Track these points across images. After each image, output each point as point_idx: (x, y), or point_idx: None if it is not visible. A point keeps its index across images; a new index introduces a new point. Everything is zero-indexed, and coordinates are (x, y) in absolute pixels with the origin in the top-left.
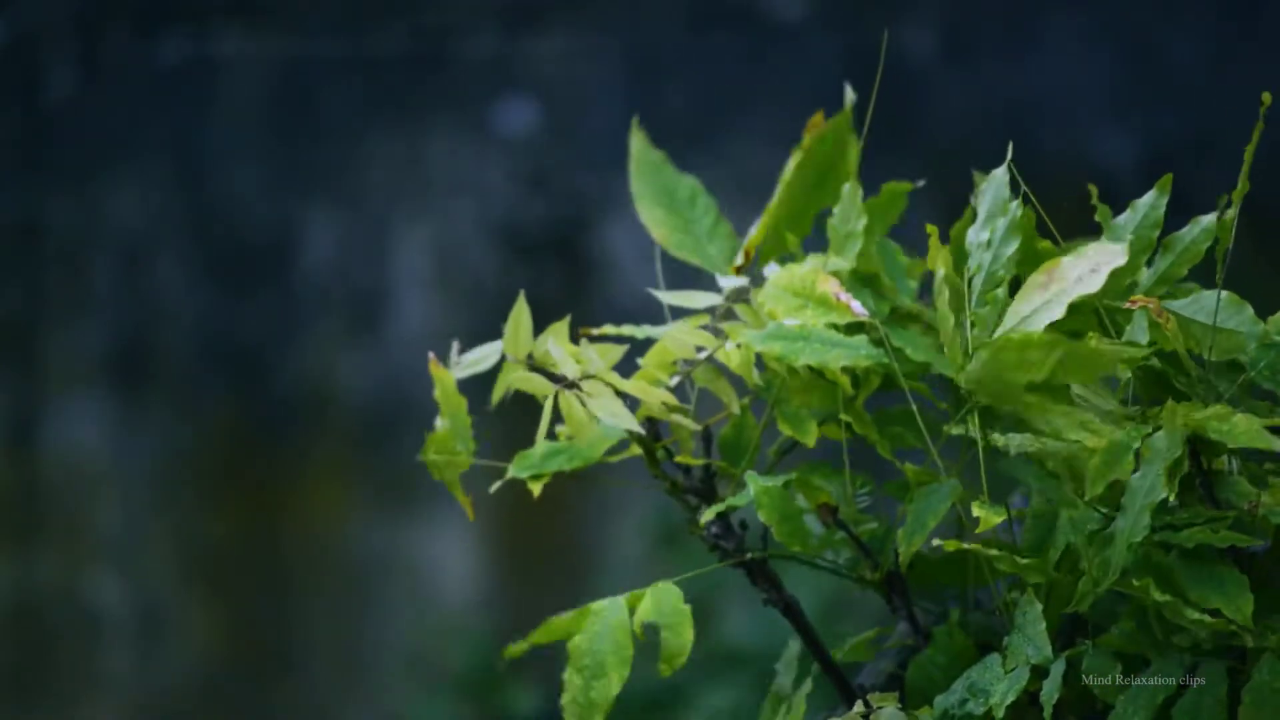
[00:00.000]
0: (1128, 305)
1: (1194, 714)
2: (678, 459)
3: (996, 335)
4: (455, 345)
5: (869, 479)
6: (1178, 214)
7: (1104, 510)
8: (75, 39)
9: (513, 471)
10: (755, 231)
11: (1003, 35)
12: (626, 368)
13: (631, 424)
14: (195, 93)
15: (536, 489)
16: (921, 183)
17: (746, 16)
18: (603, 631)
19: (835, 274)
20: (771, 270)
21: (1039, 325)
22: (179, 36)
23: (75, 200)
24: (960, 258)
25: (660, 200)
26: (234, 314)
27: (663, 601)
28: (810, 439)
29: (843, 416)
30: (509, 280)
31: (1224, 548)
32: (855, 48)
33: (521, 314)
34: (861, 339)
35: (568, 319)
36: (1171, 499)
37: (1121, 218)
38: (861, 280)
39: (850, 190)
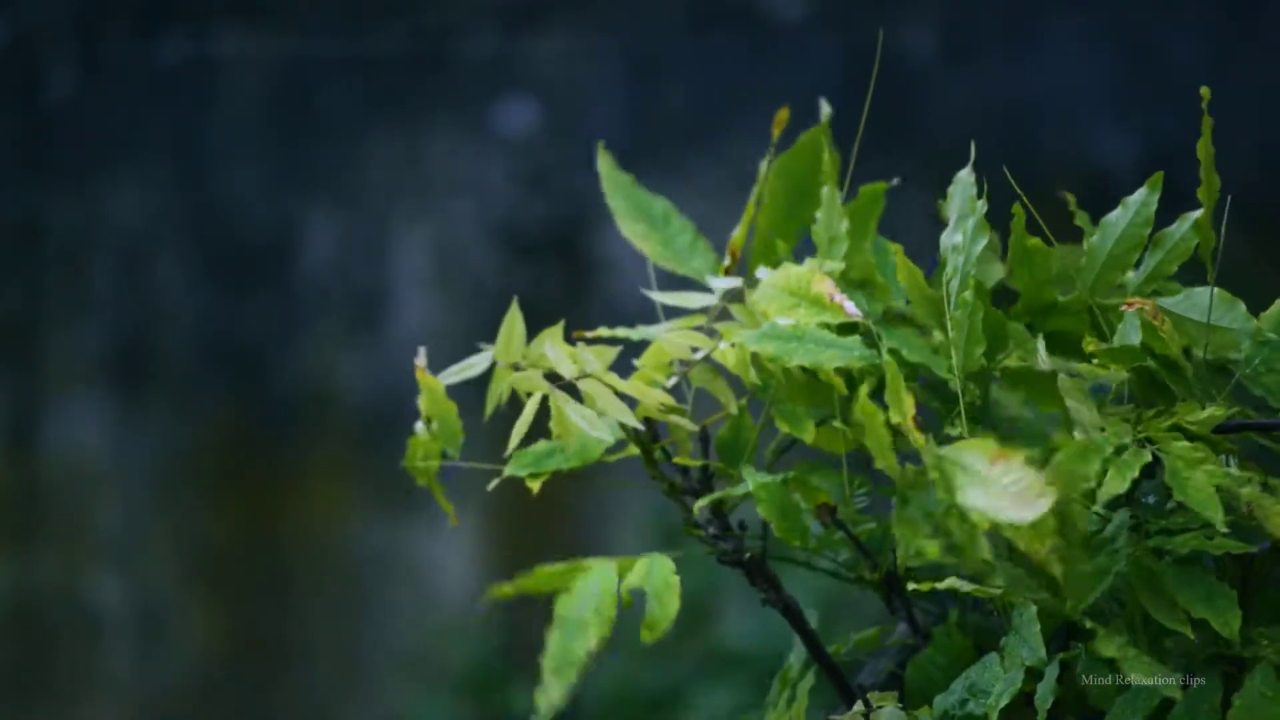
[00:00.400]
0: (1124, 307)
1: (1190, 719)
2: (675, 460)
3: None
4: (421, 351)
5: (867, 479)
6: (1178, 214)
7: (1101, 513)
8: (75, 39)
9: (510, 470)
10: (738, 231)
11: (1003, 35)
12: (623, 368)
13: (628, 417)
14: (195, 93)
15: (535, 486)
16: (897, 181)
17: (746, 16)
18: (588, 594)
19: (830, 274)
20: (763, 274)
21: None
22: (179, 36)
23: (75, 200)
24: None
25: (638, 215)
26: (234, 314)
27: (653, 570)
28: (809, 436)
29: (837, 424)
30: (509, 280)
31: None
32: (855, 48)
33: (514, 320)
34: (855, 340)
35: (562, 324)
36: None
37: (1113, 215)
38: (854, 282)
39: (829, 195)
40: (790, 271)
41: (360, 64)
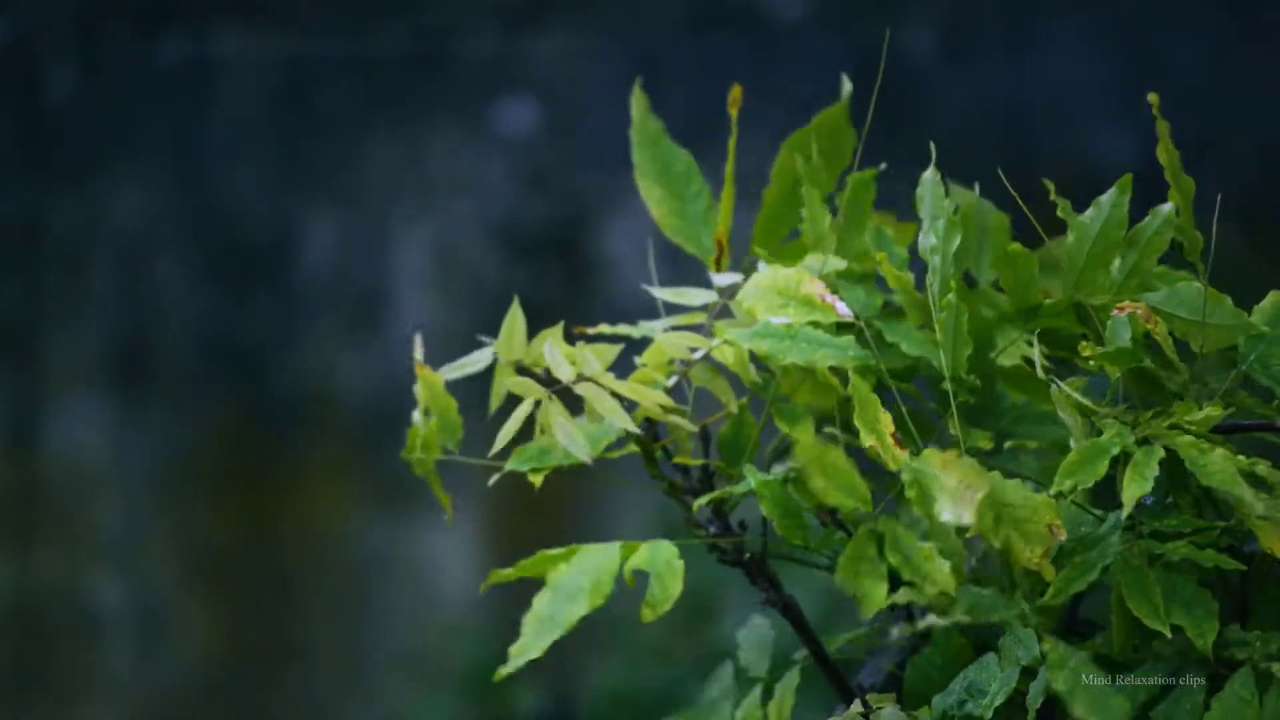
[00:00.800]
0: (1116, 311)
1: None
2: (675, 460)
3: None
4: (418, 340)
5: (866, 478)
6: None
7: (1097, 513)
8: (75, 39)
9: (511, 465)
10: (720, 222)
11: (1003, 35)
12: (623, 367)
13: (626, 422)
14: (195, 93)
15: (538, 481)
16: (884, 166)
17: (746, 16)
18: (586, 566)
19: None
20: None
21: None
22: (179, 36)
23: (75, 200)
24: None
25: (659, 177)
26: (234, 314)
27: (656, 553)
28: (807, 435)
29: (832, 430)
30: (509, 280)
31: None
32: (855, 48)
33: (516, 319)
34: (849, 339)
35: (561, 325)
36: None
37: (1086, 215)
38: (854, 276)
39: (810, 193)
40: (779, 272)
41: (360, 64)
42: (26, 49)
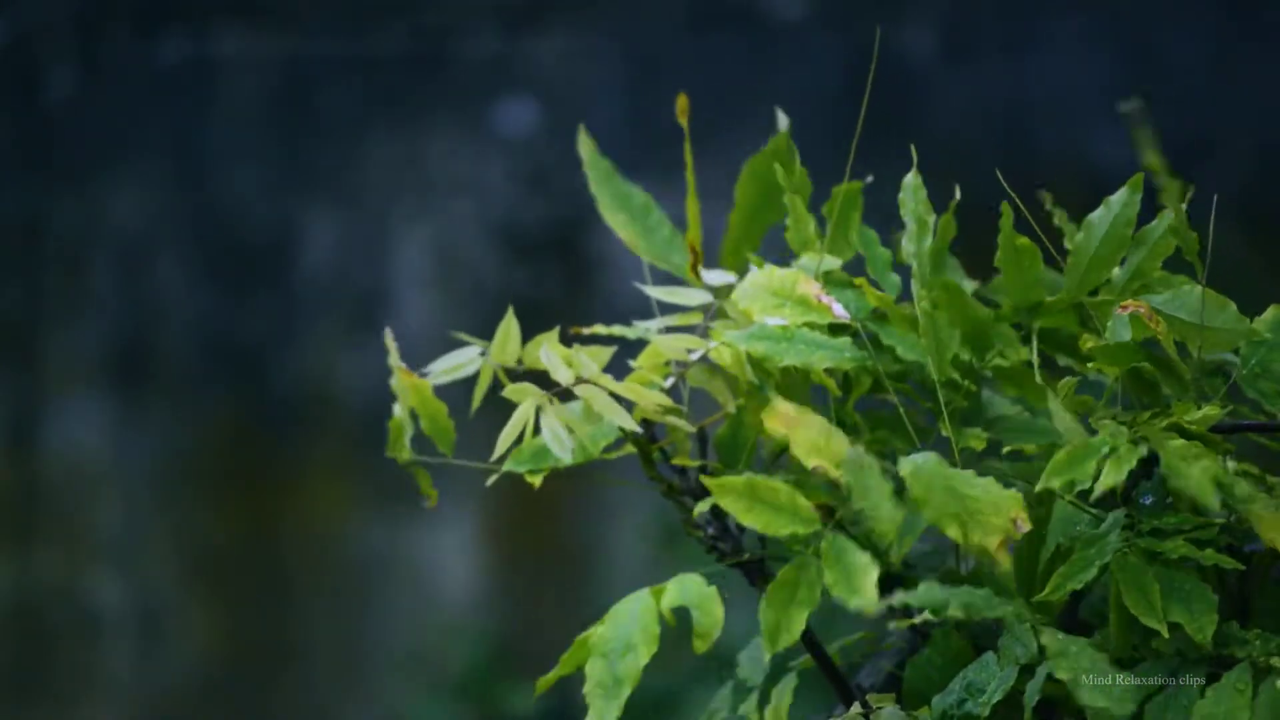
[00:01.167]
0: (1118, 310)
1: (1161, 713)
2: (673, 461)
3: None
4: (389, 339)
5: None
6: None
7: (1095, 512)
8: (75, 39)
9: (509, 466)
10: (691, 229)
11: (1003, 35)
12: (618, 369)
13: (625, 421)
14: (195, 93)
15: (537, 481)
16: (870, 179)
17: (746, 16)
18: (629, 618)
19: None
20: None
21: None
22: (179, 36)
23: (75, 200)
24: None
25: (620, 206)
26: (234, 314)
27: (688, 587)
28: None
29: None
30: (509, 280)
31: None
32: (855, 47)
33: (510, 325)
34: (845, 340)
35: (557, 329)
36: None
37: (1095, 215)
38: (842, 281)
39: (793, 201)
40: (774, 272)
41: (360, 64)
42: (26, 49)
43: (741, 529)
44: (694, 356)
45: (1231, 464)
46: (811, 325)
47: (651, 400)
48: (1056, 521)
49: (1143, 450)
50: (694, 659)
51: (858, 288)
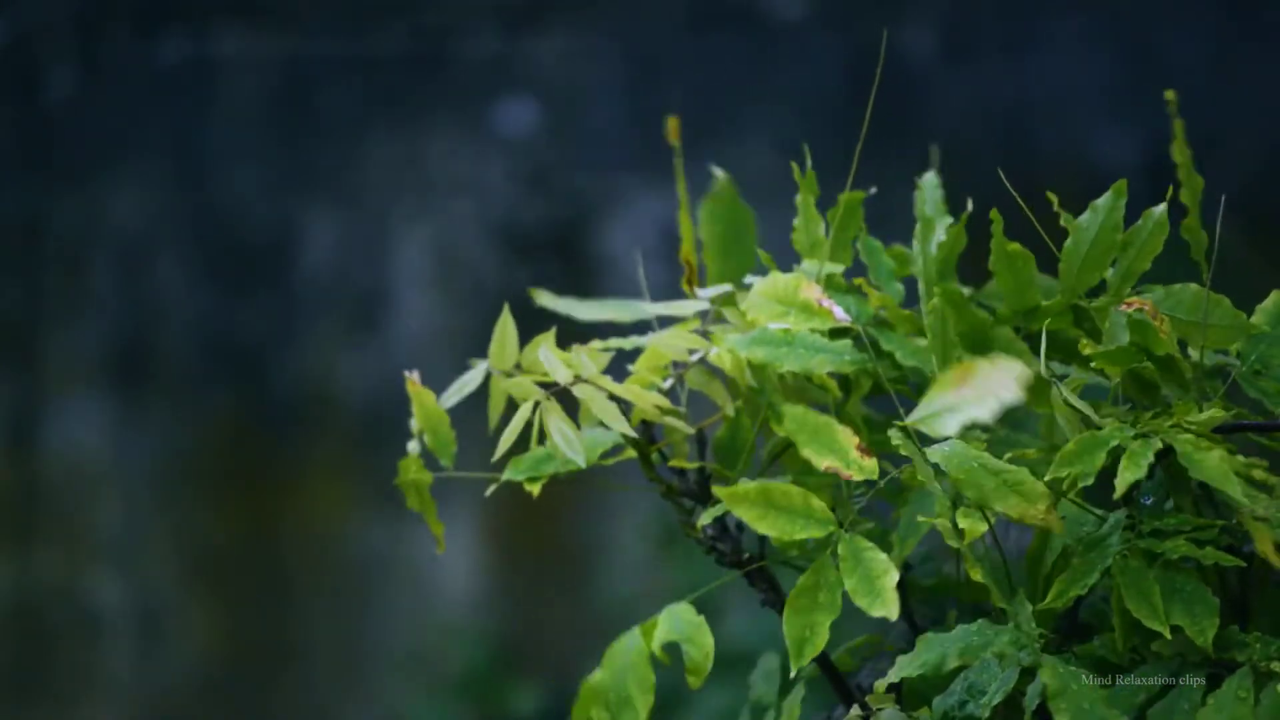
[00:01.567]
0: (1121, 308)
1: (1166, 716)
2: (672, 463)
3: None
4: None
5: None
6: (1179, 214)
7: (1098, 513)
8: (75, 39)
9: (507, 475)
10: (684, 244)
11: (1003, 35)
12: (617, 374)
13: (622, 424)
14: (195, 93)
15: (536, 490)
16: (874, 190)
17: (746, 16)
18: (624, 665)
19: (828, 276)
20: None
21: (941, 428)
22: (179, 36)
23: (75, 200)
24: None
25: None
26: (234, 314)
27: (677, 619)
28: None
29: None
30: (509, 280)
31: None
32: (855, 47)
33: (506, 327)
34: (846, 344)
35: (554, 329)
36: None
37: (1083, 219)
38: (841, 288)
39: (803, 200)
40: (778, 279)
41: (360, 64)
42: (26, 49)
43: (741, 529)
44: (693, 358)
45: (1240, 459)
46: (816, 330)
47: (650, 402)
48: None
49: (1157, 444)
50: None
51: (859, 292)
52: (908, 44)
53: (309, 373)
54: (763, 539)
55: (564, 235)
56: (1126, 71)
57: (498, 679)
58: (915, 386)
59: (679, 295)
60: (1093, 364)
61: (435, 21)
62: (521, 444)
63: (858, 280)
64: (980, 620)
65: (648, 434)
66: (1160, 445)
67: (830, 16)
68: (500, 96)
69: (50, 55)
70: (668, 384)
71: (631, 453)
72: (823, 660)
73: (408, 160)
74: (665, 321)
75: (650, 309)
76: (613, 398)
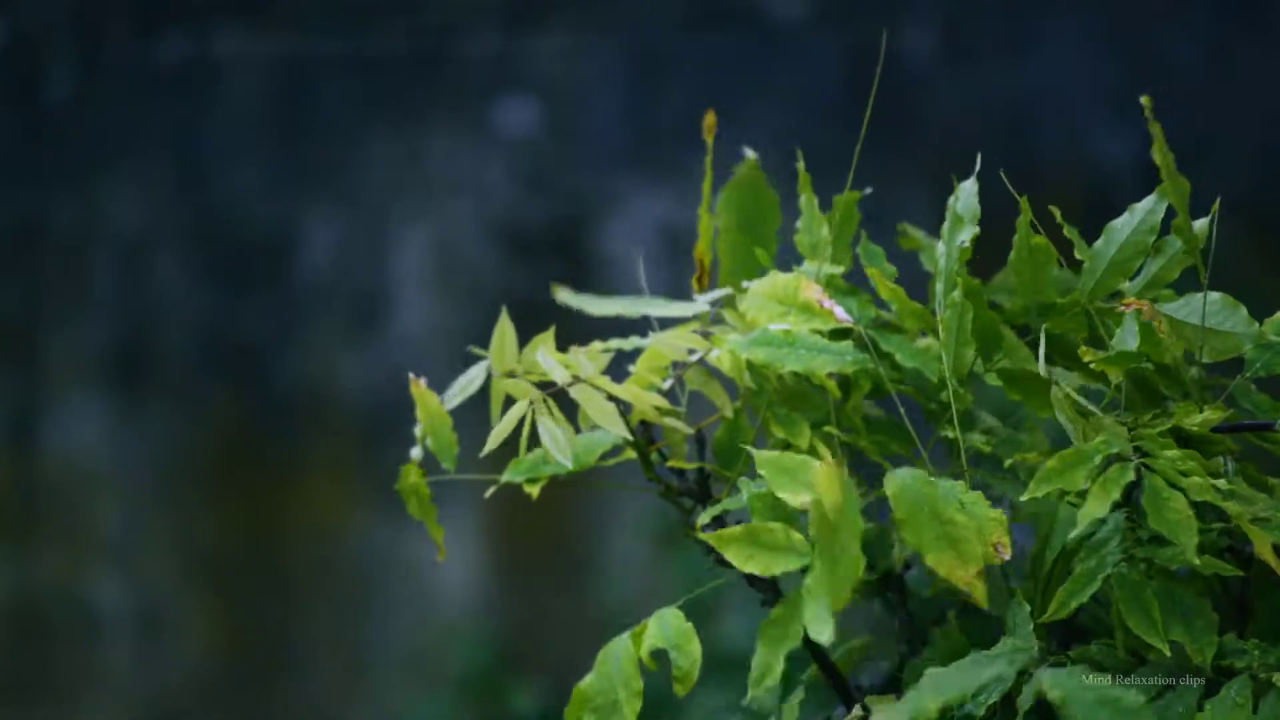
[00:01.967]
0: (1120, 308)
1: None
2: (671, 463)
3: None
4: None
5: (863, 481)
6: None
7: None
8: (75, 39)
9: (506, 477)
10: (700, 243)
11: (1003, 35)
12: (616, 375)
13: (619, 427)
14: (195, 93)
15: (535, 491)
16: (869, 190)
17: (746, 16)
18: (612, 670)
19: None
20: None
21: None
22: (179, 36)
23: (75, 200)
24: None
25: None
26: (234, 314)
27: (665, 626)
28: (803, 441)
29: (830, 429)
30: (509, 280)
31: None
32: (855, 47)
33: (505, 328)
34: (847, 345)
35: (553, 330)
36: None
37: (1119, 221)
38: (841, 289)
39: (806, 202)
40: (778, 279)
41: (360, 64)
42: (26, 49)
43: None
44: (692, 358)
45: (1232, 468)
46: (817, 331)
47: (649, 402)
48: (1060, 524)
49: (1131, 475)
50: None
51: (860, 294)
52: (907, 44)
53: (309, 372)
54: None
55: (564, 235)
56: (1126, 71)
57: (498, 679)
58: (913, 387)
59: (677, 295)
60: (1092, 366)
61: (435, 21)
62: (511, 445)
63: (870, 270)
64: (973, 654)
65: (647, 434)
66: (1133, 476)
67: (830, 16)
68: (500, 96)
69: (50, 55)
70: (667, 384)
71: (631, 453)
72: (823, 660)
73: (408, 160)
74: (665, 322)
75: (661, 307)
76: (612, 398)
